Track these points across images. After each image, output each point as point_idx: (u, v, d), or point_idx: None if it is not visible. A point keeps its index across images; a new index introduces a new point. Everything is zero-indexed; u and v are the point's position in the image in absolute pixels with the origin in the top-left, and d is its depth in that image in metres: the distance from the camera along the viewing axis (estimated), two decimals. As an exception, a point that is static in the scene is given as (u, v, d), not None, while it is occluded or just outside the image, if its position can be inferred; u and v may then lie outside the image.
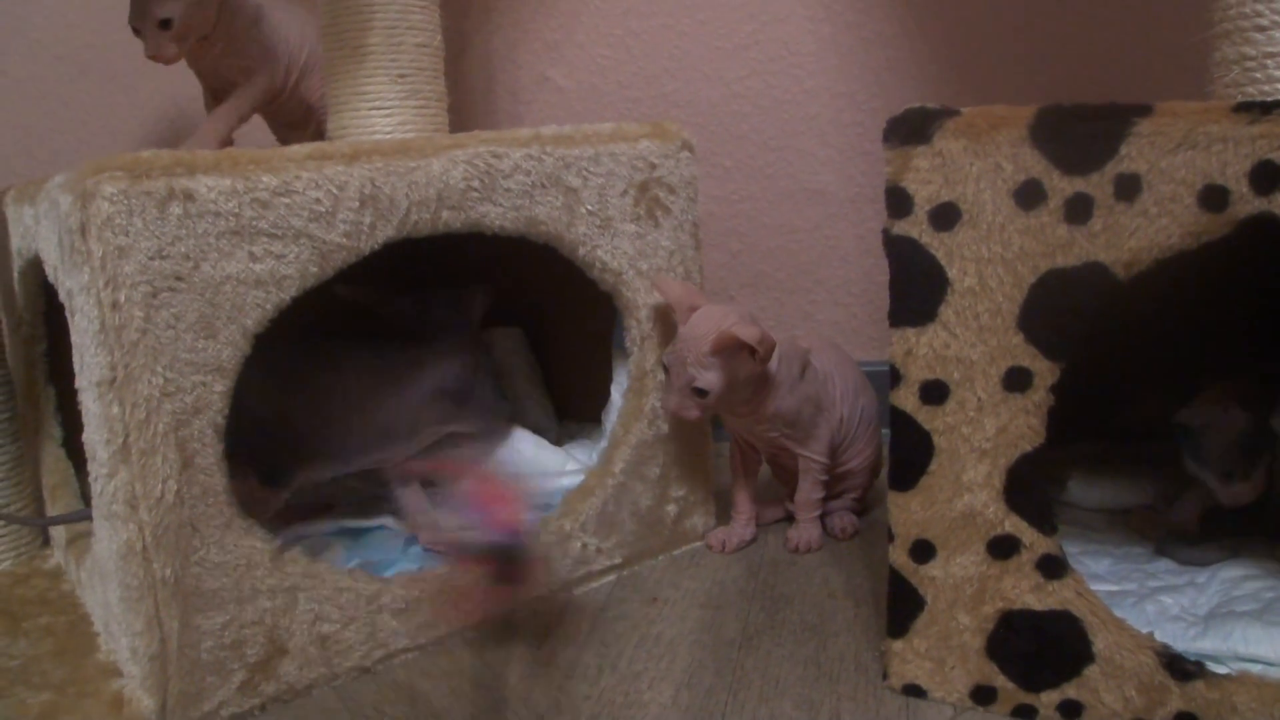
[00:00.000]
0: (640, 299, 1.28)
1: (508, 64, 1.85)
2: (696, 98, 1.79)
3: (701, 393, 1.21)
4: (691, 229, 1.33)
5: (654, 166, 1.28)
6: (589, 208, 1.22)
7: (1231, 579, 1.14)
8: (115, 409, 0.95)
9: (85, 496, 1.39)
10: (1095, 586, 1.10)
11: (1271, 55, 1.06)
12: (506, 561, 0.92)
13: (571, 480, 1.36)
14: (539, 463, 1.45)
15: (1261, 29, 1.07)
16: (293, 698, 1.09)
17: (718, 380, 1.21)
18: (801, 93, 1.75)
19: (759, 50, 1.76)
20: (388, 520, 1.36)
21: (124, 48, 2.01)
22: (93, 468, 1.03)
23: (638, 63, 1.80)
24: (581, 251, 1.23)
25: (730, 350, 1.20)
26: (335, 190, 1.04)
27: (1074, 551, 1.19)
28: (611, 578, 1.32)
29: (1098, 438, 1.42)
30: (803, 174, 1.78)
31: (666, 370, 1.25)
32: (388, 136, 1.31)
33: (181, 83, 1.95)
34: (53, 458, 1.43)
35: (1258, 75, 1.08)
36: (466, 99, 1.87)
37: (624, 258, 1.26)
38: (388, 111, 1.35)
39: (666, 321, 1.31)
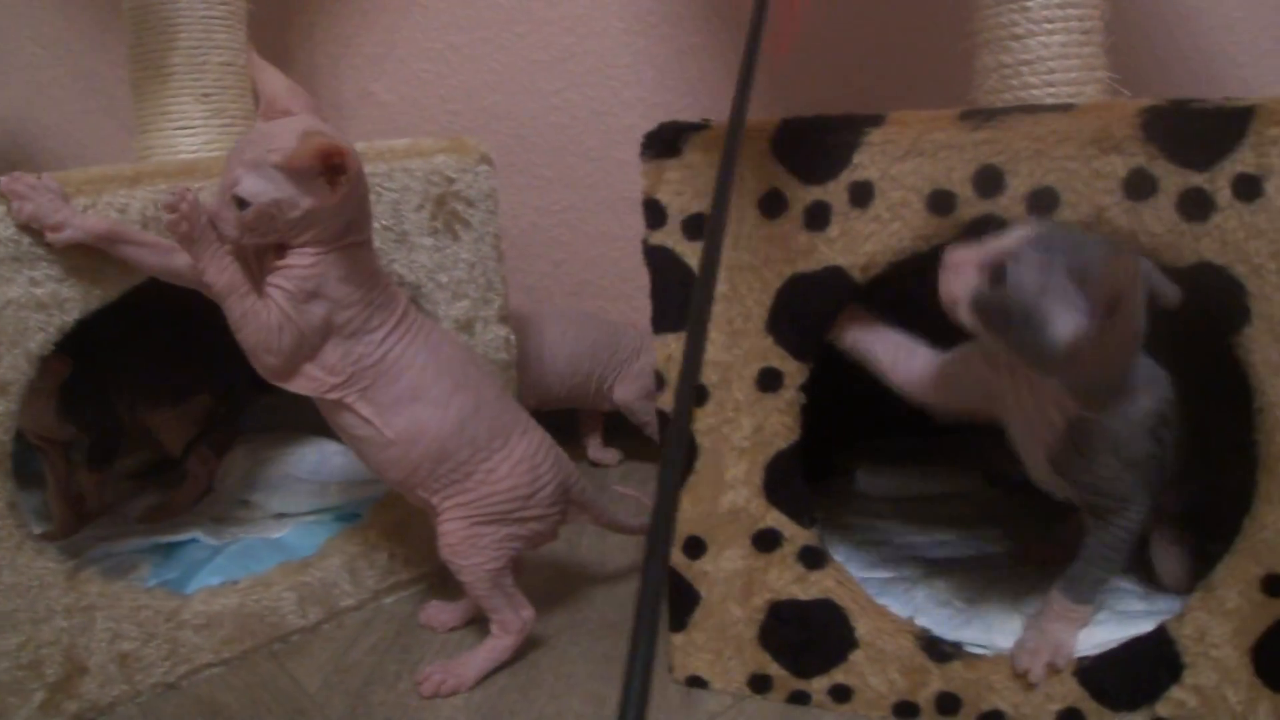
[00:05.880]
0: (441, 311, 1.30)
1: (330, 78, 1.86)
2: (516, 110, 1.82)
3: (241, 204, 0.98)
4: (493, 241, 1.35)
5: (451, 181, 1.30)
6: (383, 222, 1.24)
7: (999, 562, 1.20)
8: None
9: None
10: (874, 574, 1.16)
11: (1027, 62, 1.12)
12: None
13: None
14: (349, 471, 1.45)
15: (1017, 37, 1.12)
16: (96, 715, 1.10)
17: (269, 194, 0.98)
18: (619, 104, 1.79)
19: (576, 63, 1.79)
20: (198, 533, 1.37)
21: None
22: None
23: (458, 76, 1.82)
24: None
25: (310, 171, 0.98)
26: (117, 213, 1.05)
27: (860, 541, 1.24)
28: (423, 585, 1.35)
29: (894, 433, 1.48)
30: (621, 183, 1.81)
31: None
32: (193, 156, 1.32)
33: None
34: None
35: (1014, 82, 1.14)
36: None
37: (422, 271, 1.28)
38: (192, 131, 1.36)
39: (469, 331, 1.34)
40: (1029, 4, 1.10)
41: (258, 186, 0.98)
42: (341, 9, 1.83)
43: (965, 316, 0.88)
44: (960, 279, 0.88)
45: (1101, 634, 1.00)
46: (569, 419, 1.79)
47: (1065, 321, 0.82)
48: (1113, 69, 1.13)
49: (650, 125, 1.78)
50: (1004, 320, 0.85)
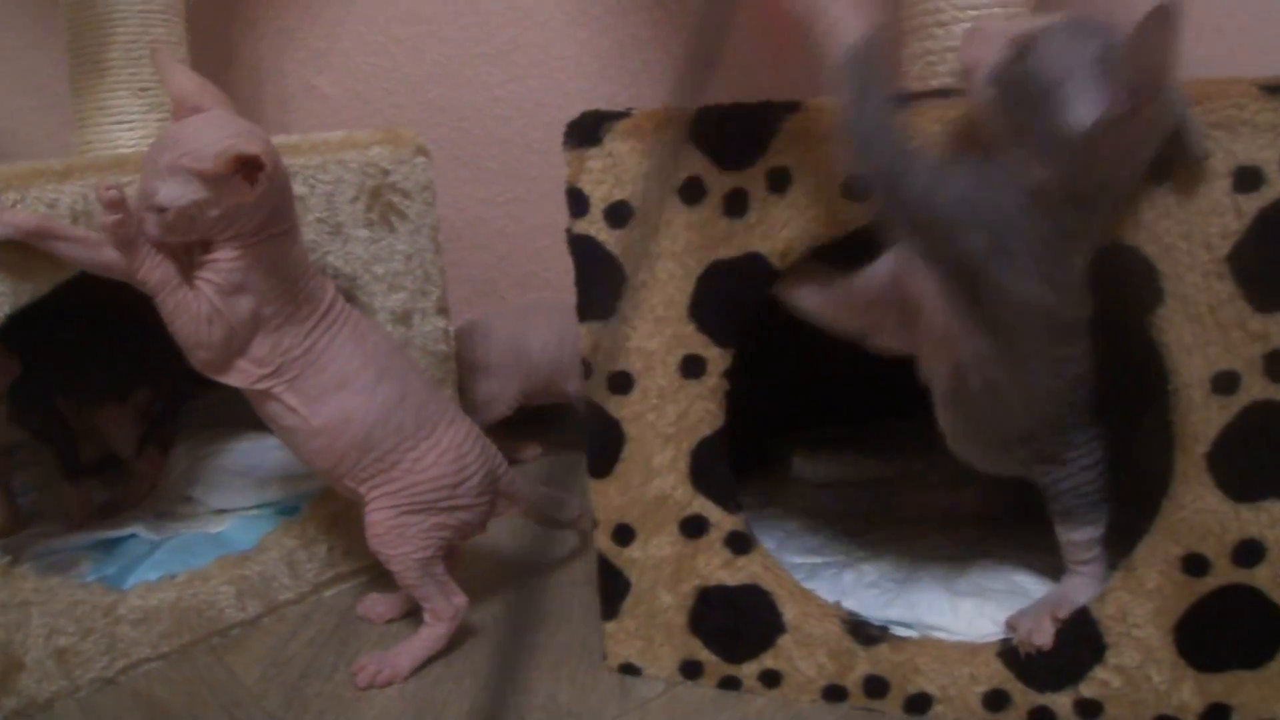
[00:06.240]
0: (377, 302, 1.30)
1: (274, 72, 1.85)
2: (460, 102, 1.82)
3: (160, 210, 0.98)
4: (430, 232, 1.35)
5: (386, 172, 1.30)
6: (317, 214, 1.24)
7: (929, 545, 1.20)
8: None
9: None
10: (806, 559, 1.16)
11: (951, 49, 1.13)
12: None
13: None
14: (287, 466, 1.45)
15: (942, 24, 1.13)
16: (34, 711, 1.09)
17: (187, 197, 0.98)
18: (562, 95, 1.79)
19: (520, 55, 1.79)
20: (138, 529, 1.36)
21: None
22: None
23: (402, 70, 1.82)
24: (311, 257, 1.24)
25: (228, 173, 0.98)
26: (46, 207, 1.05)
27: (794, 527, 1.24)
28: (363, 578, 1.35)
29: (830, 422, 1.48)
30: (566, 174, 1.81)
31: None
32: (130, 150, 1.32)
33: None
34: None
35: (940, 69, 1.15)
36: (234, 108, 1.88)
37: (357, 262, 1.28)
38: (130, 125, 1.36)
39: (407, 323, 1.34)
40: (952, -10, 1.11)
41: (175, 191, 0.98)
42: (285, 2, 1.83)
43: (979, 88, 0.84)
44: (986, 45, 0.84)
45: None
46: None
47: (1087, 106, 0.79)
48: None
49: (595, 117, 1.78)
50: (1021, 96, 0.82)
